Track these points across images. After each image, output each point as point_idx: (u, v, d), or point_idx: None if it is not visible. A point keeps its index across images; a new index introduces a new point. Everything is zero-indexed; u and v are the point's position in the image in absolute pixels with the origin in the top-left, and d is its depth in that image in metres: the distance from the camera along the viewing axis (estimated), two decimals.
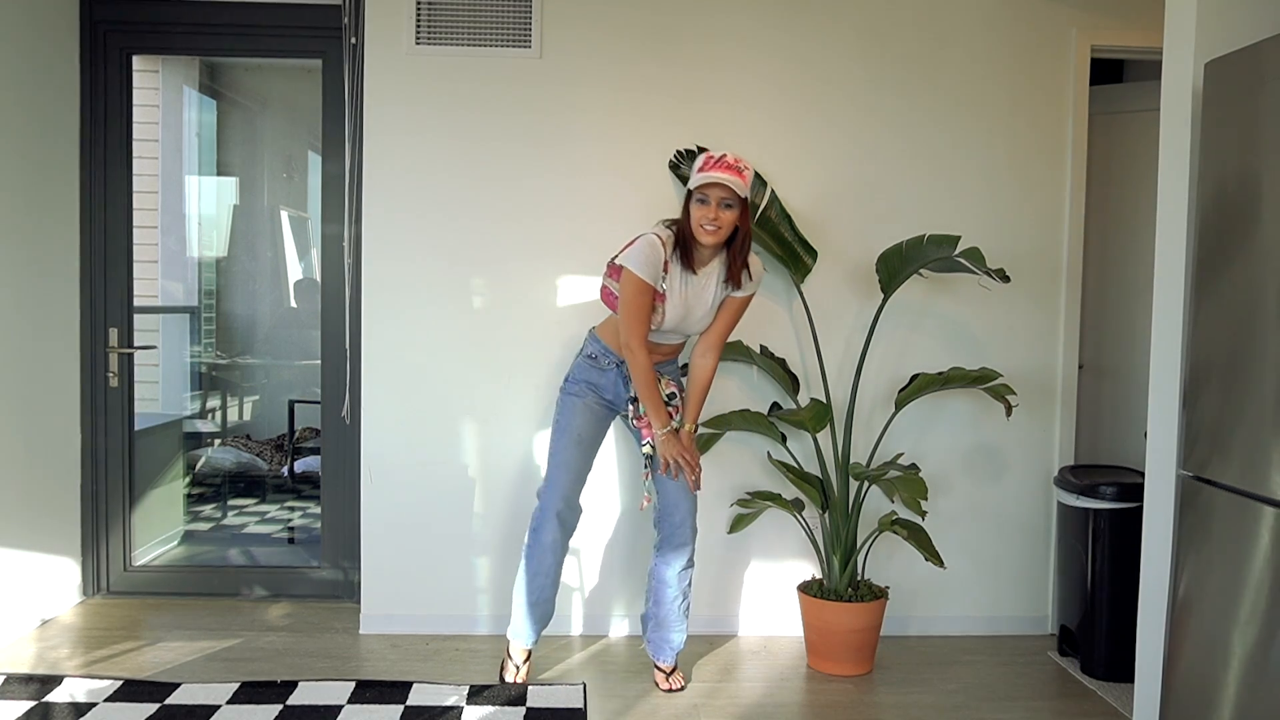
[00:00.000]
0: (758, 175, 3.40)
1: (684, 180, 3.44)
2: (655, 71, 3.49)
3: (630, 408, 3.02)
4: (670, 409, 2.97)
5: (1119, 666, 3.19)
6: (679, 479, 2.98)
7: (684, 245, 2.86)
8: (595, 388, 3.04)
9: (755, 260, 2.97)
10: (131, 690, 2.92)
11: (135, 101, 3.78)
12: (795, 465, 3.44)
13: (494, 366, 3.50)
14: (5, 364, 3.31)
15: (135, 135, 3.78)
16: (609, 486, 3.54)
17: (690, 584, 3.10)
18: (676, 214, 3.47)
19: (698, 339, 3.05)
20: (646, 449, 2.98)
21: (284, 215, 5.11)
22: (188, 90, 4.75)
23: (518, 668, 3.10)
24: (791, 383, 3.39)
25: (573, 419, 3.02)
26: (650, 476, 3.00)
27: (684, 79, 3.50)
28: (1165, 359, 2.59)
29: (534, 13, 3.43)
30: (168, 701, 2.85)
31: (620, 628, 3.57)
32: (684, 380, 3.11)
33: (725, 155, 2.80)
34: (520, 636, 3.09)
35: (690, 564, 3.07)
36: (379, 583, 3.53)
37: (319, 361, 3.79)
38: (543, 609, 3.08)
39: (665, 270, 2.86)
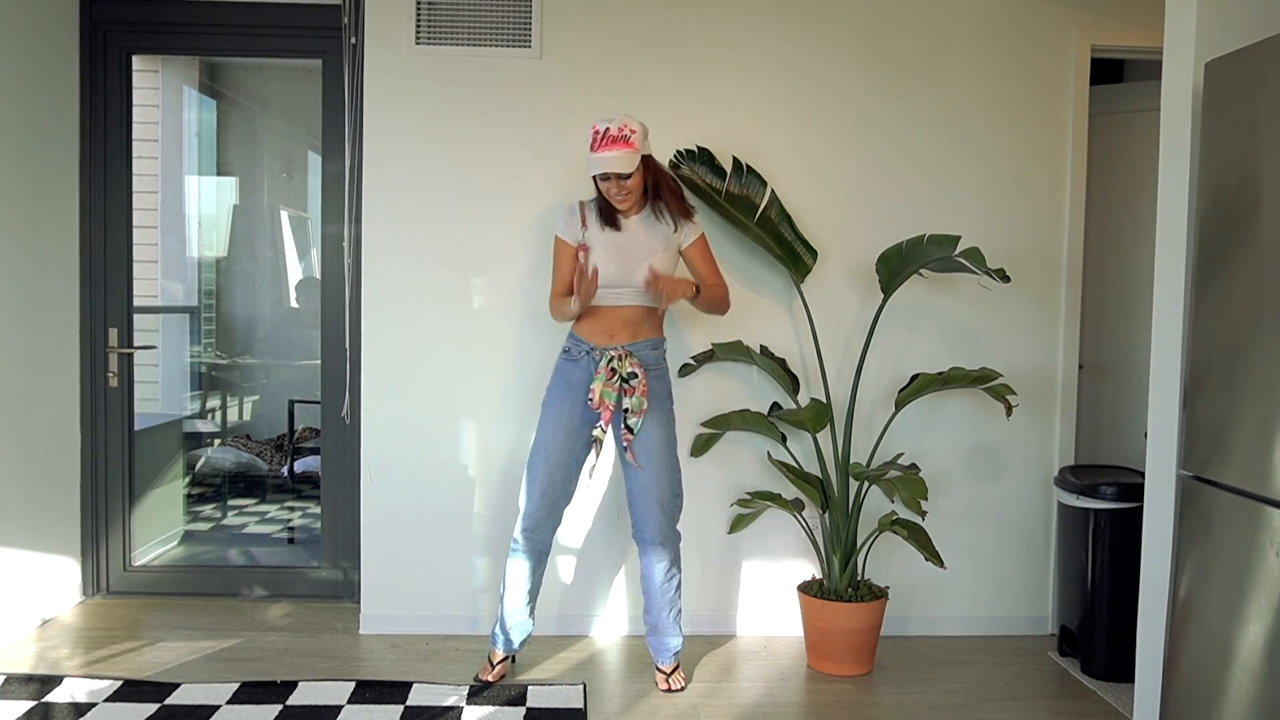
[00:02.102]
0: (754, 172, 3.40)
1: (684, 180, 3.43)
2: (655, 72, 3.49)
3: (595, 387, 2.93)
4: (626, 388, 2.92)
5: (1119, 666, 3.19)
6: (646, 491, 2.98)
7: (604, 207, 3.01)
8: (570, 386, 3.00)
9: (685, 202, 3.10)
10: (131, 690, 2.92)
11: (135, 101, 3.78)
12: (795, 465, 3.44)
13: (494, 366, 3.50)
14: (5, 364, 3.31)
15: (135, 135, 3.78)
16: (611, 485, 3.54)
17: (679, 589, 3.09)
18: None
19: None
20: (598, 432, 2.94)
21: (284, 215, 5.11)
22: (188, 90, 4.74)
23: (491, 666, 3.12)
24: (791, 383, 3.39)
25: (543, 433, 3.02)
26: (596, 458, 2.99)
27: (684, 80, 3.50)
28: (1165, 359, 2.59)
29: (534, 13, 3.43)
30: (168, 701, 2.85)
31: (620, 628, 3.57)
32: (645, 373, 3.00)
33: (609, 128, 2.86)
34: (496, 642, 3.14)
35: (673, 568, 3.06)
36: (379, 583, 3.53)
37: (319, 361, 3.79)
38: (515, 618, 3.10)
39: (584, 224, 3.00)
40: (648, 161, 2.97)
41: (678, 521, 3.07)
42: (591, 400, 2.93)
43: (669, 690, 3.07)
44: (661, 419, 3.01)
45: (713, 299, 3.08)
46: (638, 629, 3.53)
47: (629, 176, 2.89)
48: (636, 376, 2.93)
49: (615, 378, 2.92)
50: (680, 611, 3.11)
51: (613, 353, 2.94)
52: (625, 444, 2.95)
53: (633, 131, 2.87)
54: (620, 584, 3.57)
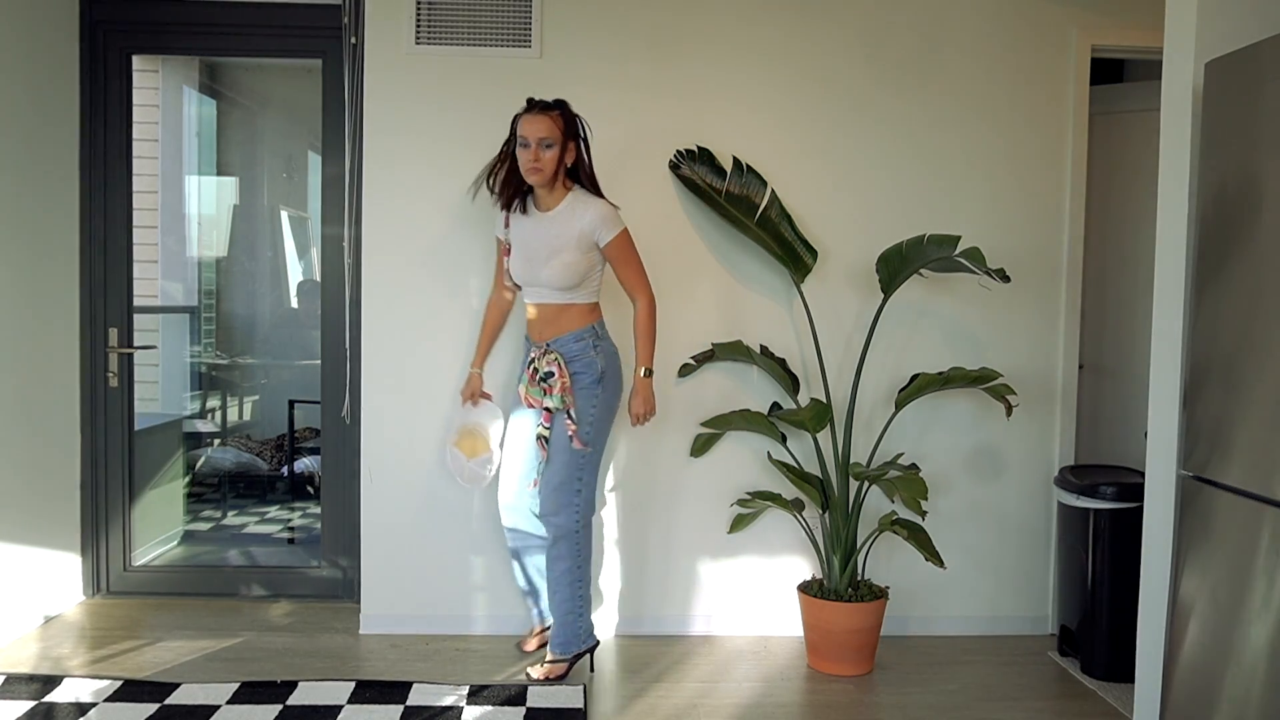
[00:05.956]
0: (754, 172, 3.40)
1: (684, 180, 3.45)
2: (655, 72, 3.49)
3: (520, 389, 3.06)
4: (545, 386, 2.97)
5: (1119, 666, 3.19)
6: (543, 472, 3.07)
7: (515, 191, 3.05)
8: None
9: (599, 203, 3.01)
10: (131, 690, 2.92)
11: (135, 101, 3.77)
12: (795, 465, 3.44)
13: (493, 367, 3.50)
14: (5, 364, 3.31)
15: (135, 135, 3.78)
16: (611, 485, 3.54)
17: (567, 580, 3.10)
18: (675, 216, 3.50)
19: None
20: (542, 431, 3.01)
21: (284, 215, 5.11)
22: (188, 90, 4.74)
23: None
24: (791, 383, 3.39)
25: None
26: (544, 456, 3.04)
27: (684, 79, 3.50)
28: (1165, 359, 2.59)
29: (534, 13, 3.43)
30: (168, 701, 2.85)
31: (619, 628, 3.57)
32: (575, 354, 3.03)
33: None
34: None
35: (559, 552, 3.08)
36: (378, 583, 3.53)
37: (319, 361, 3.79)
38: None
39: (506, 223, 3.11)
40: (571, 145, 3.00)
41: (574, 512, 3.03)
42: (523, 400, 3.05)
43: (545, 679, 3.07)
44: (582, 409, 3.01)
45: (648, 334, 3.07)
46: (636, 629, 3.53)
47: (553, 146, 2.93)
48: (554, 375, 2.97)
49: (537, 376, 3.00)
50: (564, 604, 3.08)
51: (534, 353, 3.04)
52: (570, 432, 2.99)
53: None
54: (617, 585, 3.57)
